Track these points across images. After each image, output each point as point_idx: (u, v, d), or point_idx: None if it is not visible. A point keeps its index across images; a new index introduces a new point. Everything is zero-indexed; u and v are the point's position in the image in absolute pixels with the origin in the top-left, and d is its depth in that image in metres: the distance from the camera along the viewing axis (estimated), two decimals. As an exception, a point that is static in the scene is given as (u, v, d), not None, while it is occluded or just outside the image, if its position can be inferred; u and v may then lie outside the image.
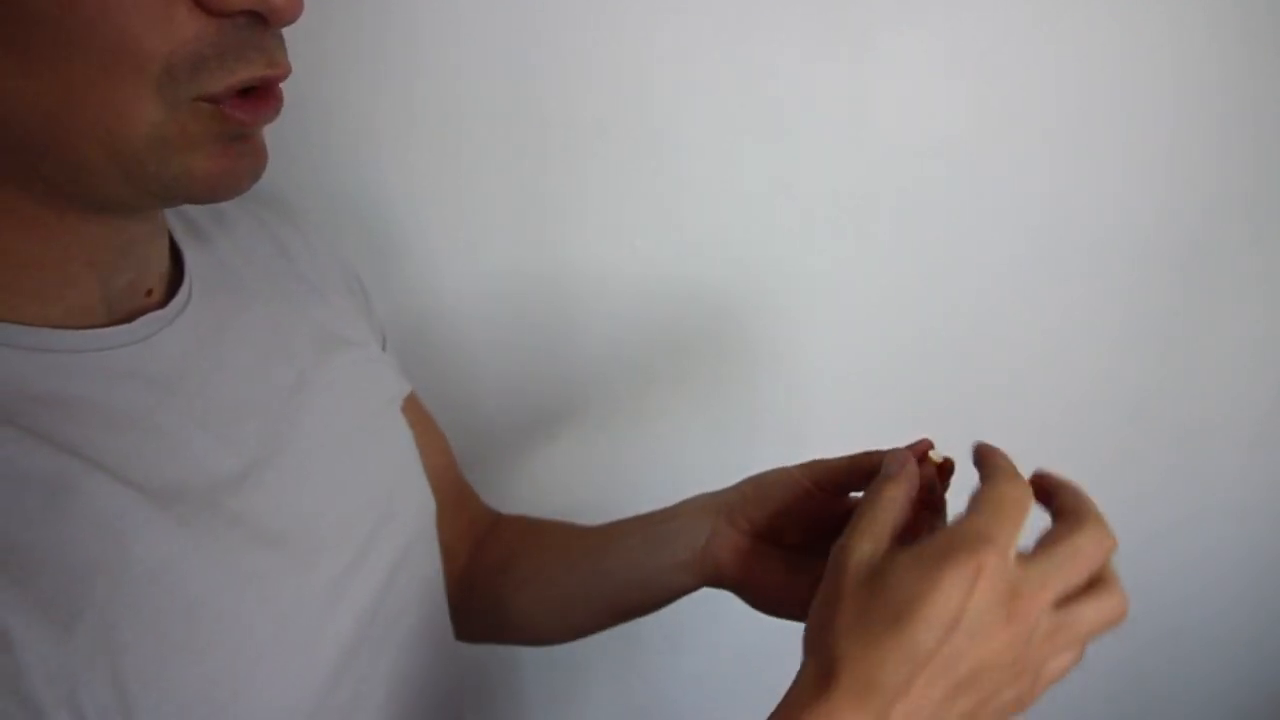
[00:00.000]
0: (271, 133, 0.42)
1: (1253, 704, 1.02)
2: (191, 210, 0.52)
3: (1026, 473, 0.41)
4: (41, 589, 0.34)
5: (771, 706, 0.39)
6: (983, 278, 0.80)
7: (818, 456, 0.53)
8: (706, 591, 0.56)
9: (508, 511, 0.72)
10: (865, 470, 0.50)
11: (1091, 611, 0.39)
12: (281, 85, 0.41)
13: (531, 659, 0.91)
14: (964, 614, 0.36)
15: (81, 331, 0.41)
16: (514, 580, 0.64)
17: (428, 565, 0.56)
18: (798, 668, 0.40)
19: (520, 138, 0.71)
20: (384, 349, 0.60)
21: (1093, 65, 0.73)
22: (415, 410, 0.63)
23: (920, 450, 0.47)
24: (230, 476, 0.43)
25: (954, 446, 0.47)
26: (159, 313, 0.44)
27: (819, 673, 0.39)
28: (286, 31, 0.41)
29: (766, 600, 0.53)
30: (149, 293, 0.45)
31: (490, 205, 0.73)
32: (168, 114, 0.37)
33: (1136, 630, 0.97)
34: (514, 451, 0.83)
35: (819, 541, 0.50)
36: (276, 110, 0.41)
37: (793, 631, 0.43)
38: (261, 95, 0.40)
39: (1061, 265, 0.80)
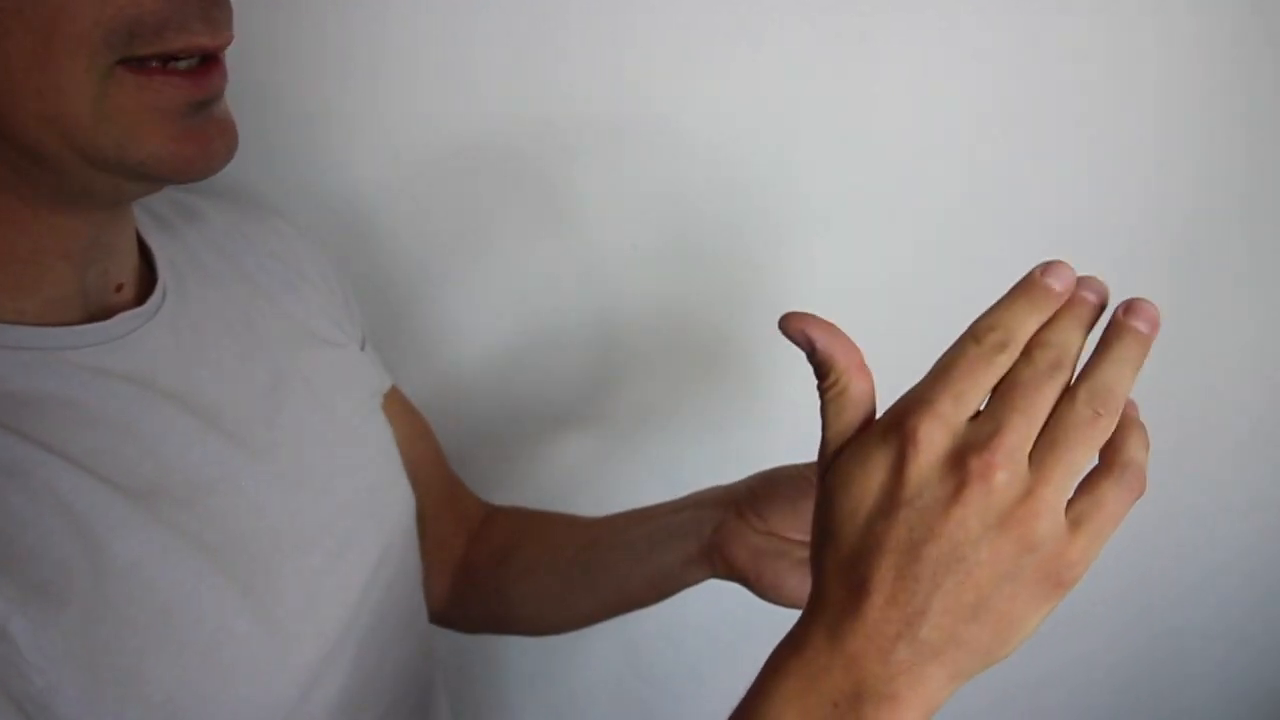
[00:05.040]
0: (253, 129, 0.41)
1: (1253, 701, 1.03)
2: (158, 205, 0.51)
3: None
4: (25, 583, 0.34)
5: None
6: (982, 277, 0.80)
7: None
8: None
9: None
10: None
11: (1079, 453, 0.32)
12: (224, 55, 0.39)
13: (515, 642, 0.91)
14: (902, 488, 0.32)
15: (58, 329, 0.40)
16: (515, 571, 0.64)
17: (409, 561, 0.56)
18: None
19: (518, 136, 0.71)
20: (363, 347, 0.60)
21: (1090, 65, 0.73)
22: (398, 405, 0.63)
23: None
24: (208, 475, 0.43)
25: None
26: (137, 310, 0.44)
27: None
28: (275, 24, 0.40)
29: (777, 594, 0.52)
30: (119, 288, 0.44)
31: (486, 202, 0.74)
32: (100, 86, 0.35)
33: (1136, 628, 0.98)
34: (507, 452, 0.83)
35: None
36: (221, 81, 0.39)
37: (784, 615, 0.42)
38: (202, 69, 0.38)
39: (1061, 265, 0.80)
